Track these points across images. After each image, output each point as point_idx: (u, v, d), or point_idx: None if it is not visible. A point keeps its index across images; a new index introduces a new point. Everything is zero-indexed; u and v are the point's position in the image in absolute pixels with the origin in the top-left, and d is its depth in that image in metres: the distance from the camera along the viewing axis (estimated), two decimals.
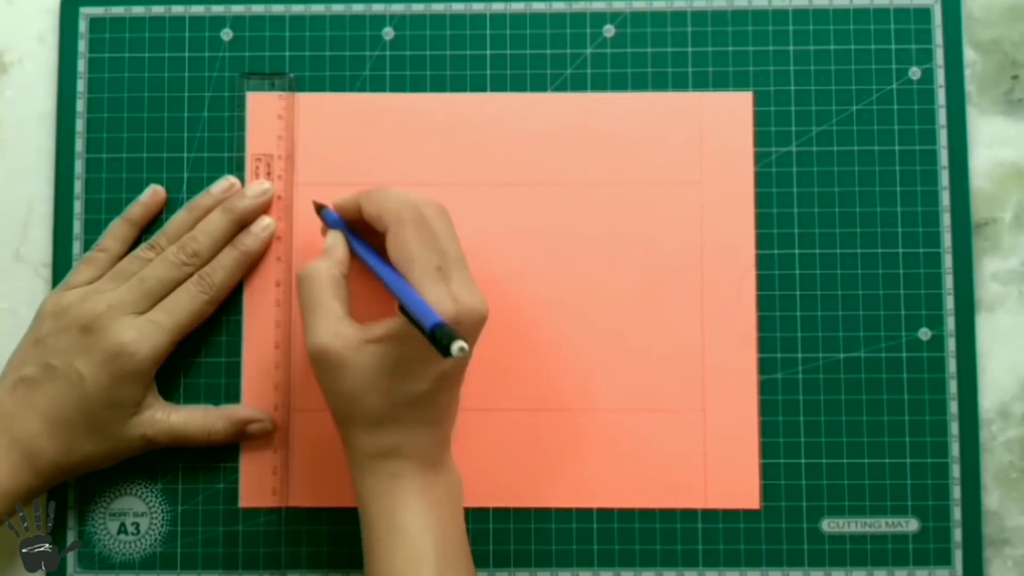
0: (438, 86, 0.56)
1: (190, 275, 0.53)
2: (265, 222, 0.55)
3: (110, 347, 0.51)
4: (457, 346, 0.43)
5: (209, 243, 0.54)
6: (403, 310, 0.47)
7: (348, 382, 0.48)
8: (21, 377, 0.52)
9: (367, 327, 0.48)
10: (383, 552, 0.48)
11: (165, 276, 0.53)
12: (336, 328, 0.48)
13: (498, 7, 0.57)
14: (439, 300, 0.46)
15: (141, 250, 0.54)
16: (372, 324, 0.48)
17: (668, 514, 0.54)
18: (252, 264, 0.55)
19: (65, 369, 0.51)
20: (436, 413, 0.49)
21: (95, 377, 0.51)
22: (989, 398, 0.55)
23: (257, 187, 0.55)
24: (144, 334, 0.51)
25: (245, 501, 0.55)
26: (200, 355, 0.55)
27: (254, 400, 0.55)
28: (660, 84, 0.56)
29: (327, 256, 0.51)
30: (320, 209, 0.53)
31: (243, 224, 0.54)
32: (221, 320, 0.55)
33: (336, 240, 0.51)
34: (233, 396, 0.55)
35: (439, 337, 0.44)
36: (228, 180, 0.55)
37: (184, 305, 0.53)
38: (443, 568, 0.48)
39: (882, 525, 0.54)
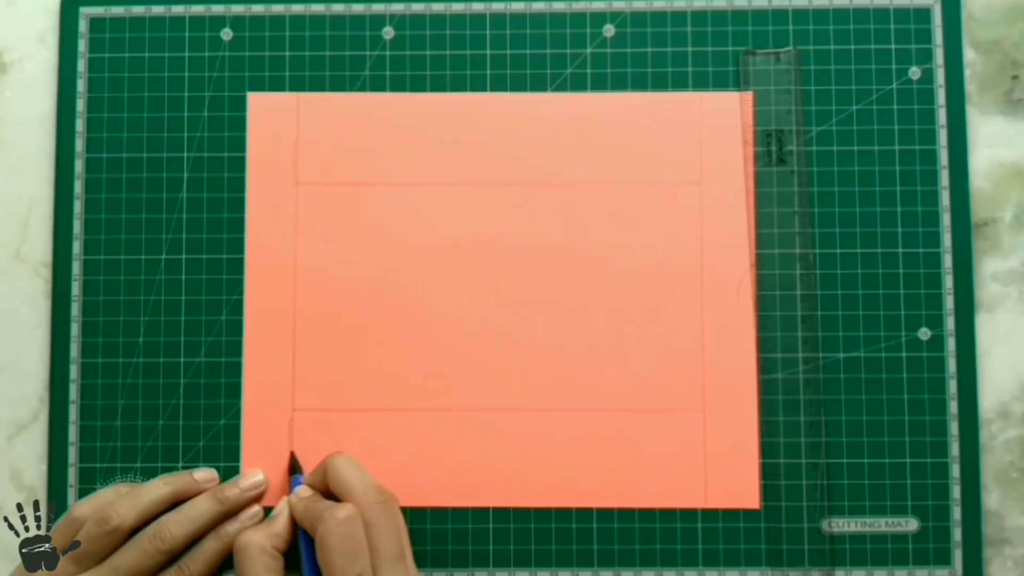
0: (438, 86, 0.56)
1: (162, 562, 0.51)
2: (254, 510, 0.53)
3: None
4: None
5: (188, 533, 0.52)
6: None
7: None
8: None
9: None
10: None
11: (139, 566, 0.51)
12: None
13: (498, 7, 0.57)
14: None
15: (100, 525, 0.51)
16: None
17: (668, 514, 0.54)
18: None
19: None
20: None
21: None
22: (989, 398, 0.55)
23: (251, 479, 0.54)
24: None
25: None
26: (200, 355, 0.55)
27: (255, 400, 0.55)
28: (660, 84, 0.56)
29: (266, 526, 0.52)
30: (292, 471, 0.54)
31: (229, 515, 0.53)
32: (222, 321, 0.55)
33: (282, 510, 0.52)
34: (233, 396, 0.55)
35: None
36: (211, 472, 0.54)
37: None
38: None
39: (882, 525, 0.54)
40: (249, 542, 0.50)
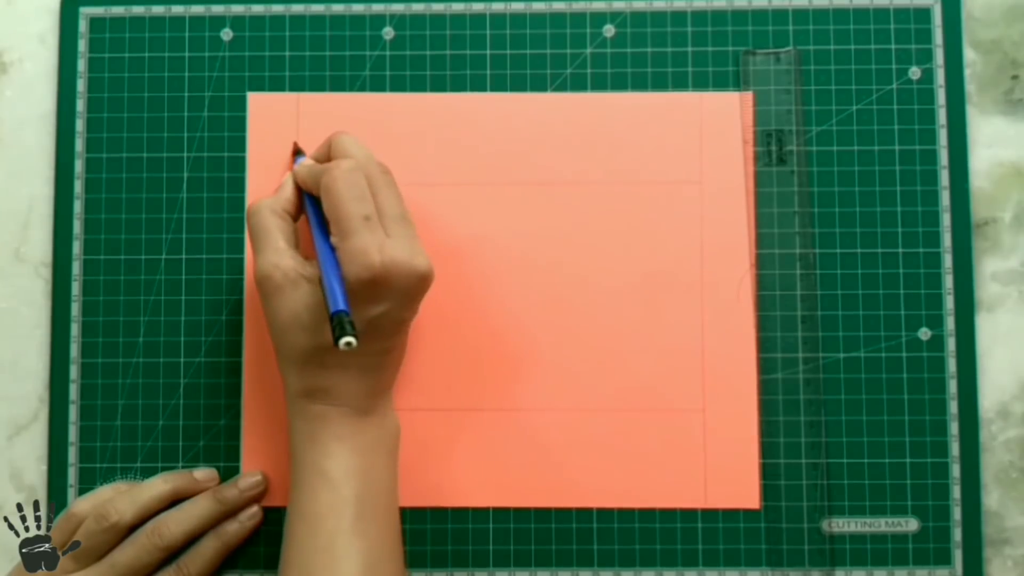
0: (438, 86, 0.56)
1: (160, 560, 0.52)
2: (253, 510, 0.54)
3: None
4: (343, 341, 0.44)
5: (186, 531, 0.52)
6: (321, 282, 0.48)
7: (281, 314, 0.49)
8: None
9: (308, 263, 0.49)
10: (305, 495, 0.49)
11: (137, 563, 0.51)
12: (276, 259, 0.49)
13: (498, 7, 0.57)
14: (363, 250, 0.47)
15: (99, 522, 0.51)
16: (314, 261, 0.49)
17: (668, 514, 0.54)
18: (231, 550, 0.53)
19: None
20: (366, 361, 0.50)
21: None
22: (989, 398, 0.55)
23: (250, 479, 0.54)
24: None
25: None
26: (200, 355, 0.55)
27: (255, 401, 0.55)
28: (660, 84, 0.56)
29: (276, 193, 0.52)
30: (296, 154, 0.55)
31: (228, 515, 0.53)
32: (222, 321, 0.55)
33: (287, 181, 0.52)
34: (234, 396, 0.55)
35: (333, 325, 0.45)
36: (211, 472, 0.54)
37: None
38: (364, 516, 0.49)
39: (882, 525, 0.54)
40: (260, 205, 0.50)
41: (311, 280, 0.49)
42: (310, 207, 0.51)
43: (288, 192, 0.51)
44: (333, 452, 0.49)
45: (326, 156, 0.52)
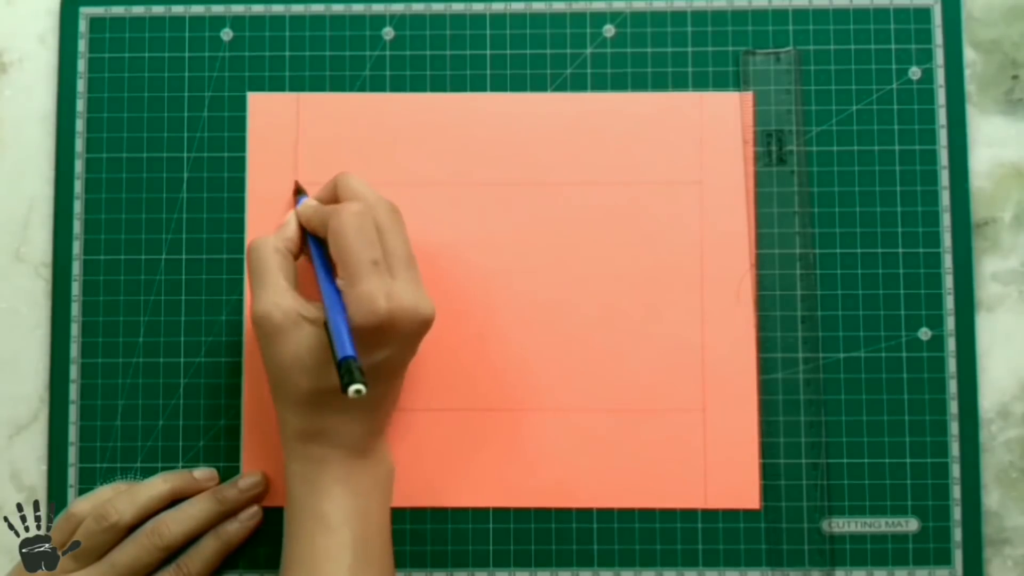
0: (438, 86, 0.56)
1: (160, 559, 0.52)
2: (252, 510, 0.54)
3: None
4: (353, 389, 0.44)
5: (186, 531, 0.52)
6: (326, 326, 0.47)
7: (281, 355, 0.48)
8: None
9: (310, 304, 0.49)
10: (302, 539, 0.49)
11: (137, 563, 0.51)
12: (277, 298, 0.48)
13: (498, 7, 0.57)
14: (370, 295, 0.46)
15: (99, 522, 0.51)
16: (316, 303, 0.49)
17: (668, 514, 0.54)
18: (231, 550, 0.53)
19: None
20: (366, 404, 0.49)
21: None
22: (989, 398, 0.55)
23: (250, 479, 0.54)
24: None
25: None
26: (200, 355, 0.55)
27: (255, 401, 0.55)
28: (660, 84, 0.56)
29: (278, 231, 0.51)
30: (298, 193, 0.54)
31: (228, 515, 0.53)
32: (222, 321, 0.55)
33: (290, 219, 0.52)
34: (234, 396, 0.55)
35: (342, 372, 0.44)
36: (211, 471, 0.54)
37: None
38: (361, 561, 0.49)
39: (882, 525, 0.54)
40: (262, 243, 0.50)
41: (313, 321, 0.48)
42: (314, 248, 0.51)
43: (291, 231, 0.51)
44: (331, 495, 0.49)
45: (331, 197, 0.51)
